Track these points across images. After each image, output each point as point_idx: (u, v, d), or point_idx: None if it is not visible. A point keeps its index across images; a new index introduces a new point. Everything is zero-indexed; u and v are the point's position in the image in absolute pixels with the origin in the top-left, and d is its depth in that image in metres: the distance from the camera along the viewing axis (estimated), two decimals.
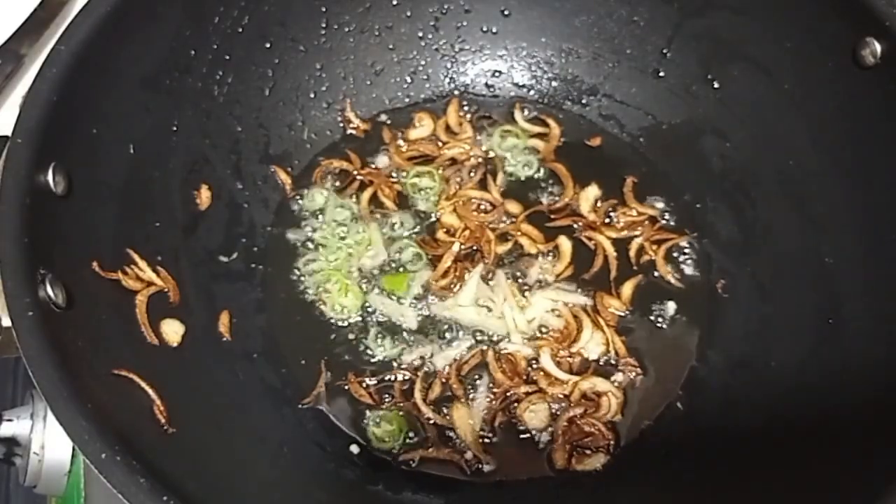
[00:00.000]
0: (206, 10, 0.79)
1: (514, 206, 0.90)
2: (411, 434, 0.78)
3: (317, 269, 0.86)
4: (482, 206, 0.90)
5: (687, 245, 0.88)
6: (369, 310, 0.84)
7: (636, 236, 0.88)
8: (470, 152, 0.93)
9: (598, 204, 0.90)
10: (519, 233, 0.88)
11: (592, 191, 0.91)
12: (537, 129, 0.95)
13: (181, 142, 0.79)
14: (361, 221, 0.89)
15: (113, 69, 0.69)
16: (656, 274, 0.86)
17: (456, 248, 0.86)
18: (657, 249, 0.87)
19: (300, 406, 0.78)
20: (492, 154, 0.93)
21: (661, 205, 0.90)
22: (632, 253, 0.87)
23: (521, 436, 0.78)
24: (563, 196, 0.90)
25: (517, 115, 0.96)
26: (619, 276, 0.86)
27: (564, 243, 0.87)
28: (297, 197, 0.90)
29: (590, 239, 0.88)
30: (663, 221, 0.89)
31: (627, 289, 0.85)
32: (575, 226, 0.89)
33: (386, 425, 0.78)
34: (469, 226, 0.88)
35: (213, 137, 0.83)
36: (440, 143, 0.94)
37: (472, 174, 0.92)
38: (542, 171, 0.92)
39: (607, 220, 0.89)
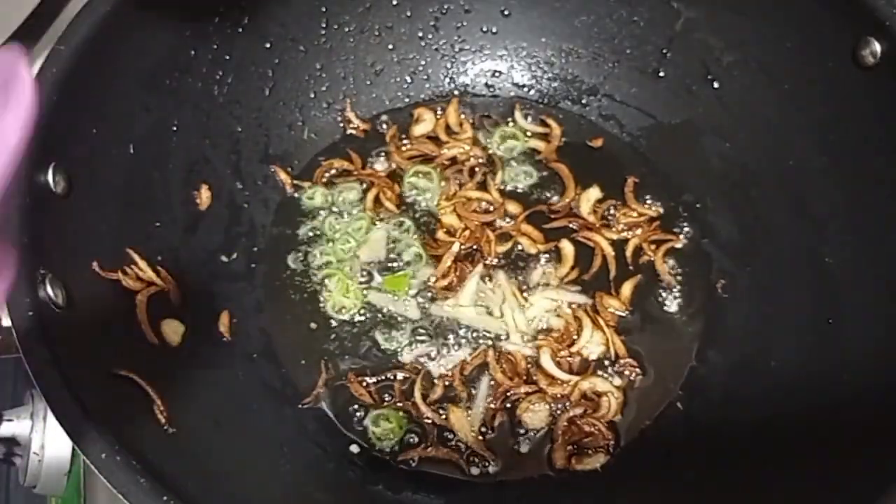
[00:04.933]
0: (207, 9, 0.79)
1: (514, 206, 0.90)
2: (411, 433, 0.78)
3: (318, 265, 0.86)
4: (482, 207, 0.90)
5: (686, 245, 0.88)
6: (372, 308, 0.84)
7: (635, 237, 0.88)
8: (470, 152, 0.93)
9: (599, 205, 0.90)
10: (519, 233, 0.88)
11: (594, 192, 0.91)
12: (538, 129, 0.95)
13: (181, 142, 0.79)
14: (366, 212, 0.89)
15: (113, 69, 0.69)
16: (656, 274, 0.86)
17: (456, 247, 0.86)
18: (656, 250, 0.87)
19: (300, 406, 0.78)
20: (491, 152, 0.93)
21: (660, 207, 0.90)
22: (628, 253, 0.87)
23: (521, 436, 0.78)
24: (564, 196, 0.90)
25: (517, 115, 0.96)
26: (619, 276, 0.86)
27: (567, 247, 0.87)
28: (298, 196, 0.90)
29: (588, 239, 0.88)
30: (661, 222, 0.89)
31: (626, 289, 0.85)
32: (572, 226, 0.89)
33: (385, 423, 0.78)
34: (469, 226, 0.88)
35: (213, 137, 0.83)
36: (440, 143, 0.94)
37: (472, 174, 0.92)
38: (541, 174, 0.92)
39: (606, 221, 0.89)
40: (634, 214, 0.89)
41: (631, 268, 0.87)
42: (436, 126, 0.95)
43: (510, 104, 0.97)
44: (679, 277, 0.86)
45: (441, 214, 0.89)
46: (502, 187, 0.91)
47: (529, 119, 0.96)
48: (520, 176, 0.92)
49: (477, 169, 0.92)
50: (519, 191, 0.92)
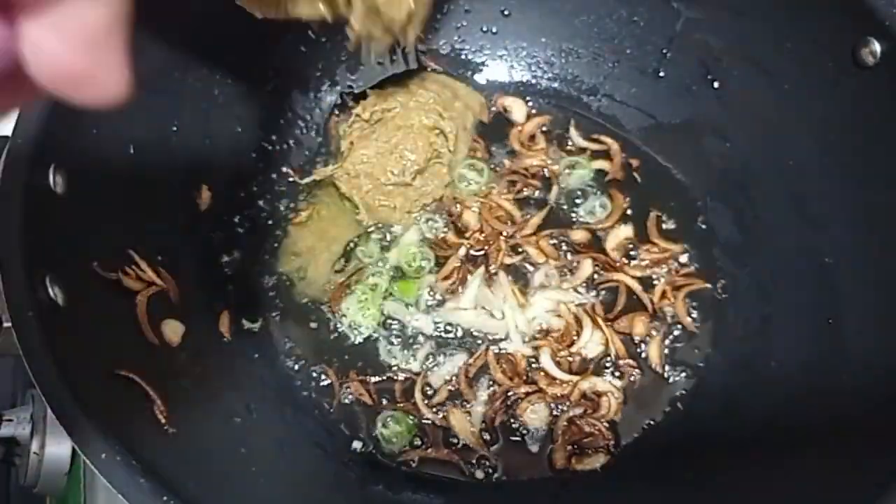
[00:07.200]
0: (207, 10, 0.79)
1: (536, 221, 0.88)
2: (418, 436, 0.78)
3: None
4: (504, 217, 0.89)
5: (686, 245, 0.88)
6: (384, 319, 0.83)
7: (659, 277, 0.86)
8: (544, 167, 0.92)
9: (624, 242, 0.88)
10: (536, 249, 0.86)
11: (625, 230, 0.88)
12: (594, 146, 0.93)
13: (181, 142, 0.79)
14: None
15: None
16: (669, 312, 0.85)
17: (462, 251, 0.86)
18: (677, 294, 0.85)
19: (300, 406, 0.78)
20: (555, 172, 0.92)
21: (686, 245, 0.88)
22: (655, 298, 0.85)
23: (522, 436, 0.78)
24: (604, 220, 0.88)
25: (573, 132, 0.94)
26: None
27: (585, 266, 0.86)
28: (297, 197, 0.90)
29: (610, 280, 0.85)
30: (684, 262, 0.87)
31: (639, 326, 0.83)
32: (596, 264, 0.86)
33: (394, 426, 0.78)
34: (485, 229, 0.87)
35: (213, 137, 0.83)
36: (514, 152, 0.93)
37: (516, 187, 0.90)
38: (604, 209, 0.90)
39: (628, 259, 0.87)
40: (657, 250, 0.87)
41: (649, 307, 0.84)
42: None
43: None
44: (698, 323, 0.84)
45: (462, 211, 0.88)
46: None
47: (580, 136, 0.94)
48: (586, 209, 0.90)
49: (526, 189, 0.90)
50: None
